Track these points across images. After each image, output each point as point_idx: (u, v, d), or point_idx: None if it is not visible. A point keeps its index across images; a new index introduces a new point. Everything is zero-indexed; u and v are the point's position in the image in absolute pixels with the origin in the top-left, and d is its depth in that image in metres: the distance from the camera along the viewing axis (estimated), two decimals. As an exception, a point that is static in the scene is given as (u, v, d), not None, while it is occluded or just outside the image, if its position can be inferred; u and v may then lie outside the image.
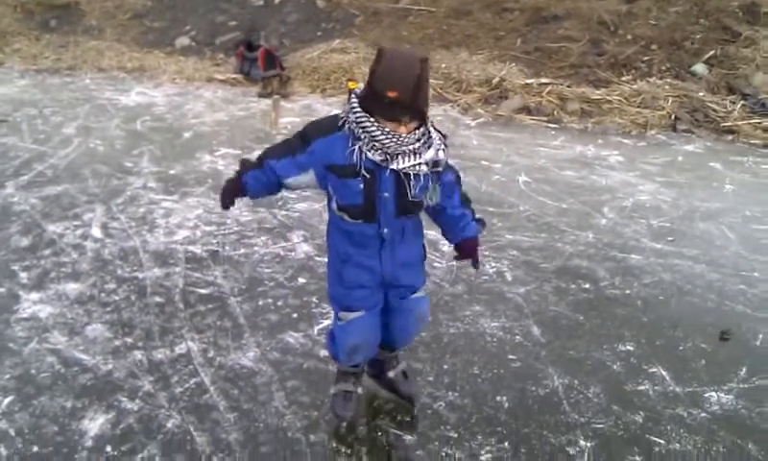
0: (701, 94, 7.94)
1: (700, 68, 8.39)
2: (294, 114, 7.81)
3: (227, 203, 2.68)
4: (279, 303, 3.80)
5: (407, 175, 2.34)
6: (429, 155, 2.34)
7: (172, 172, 5.90)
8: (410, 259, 2.64)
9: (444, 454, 2.73)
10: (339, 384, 2.90)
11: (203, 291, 3.93)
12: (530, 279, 4.18)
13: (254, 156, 2.65)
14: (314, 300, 3.84)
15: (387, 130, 2.25)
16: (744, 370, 3.37)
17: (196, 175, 5.84)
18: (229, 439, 2.76)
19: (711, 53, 8.54)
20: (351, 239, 2.51)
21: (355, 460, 2.69)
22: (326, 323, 3.61)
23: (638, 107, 7.90)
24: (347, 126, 2.33)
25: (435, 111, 8.09)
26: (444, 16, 10.75)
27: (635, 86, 8.26)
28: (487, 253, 4.47)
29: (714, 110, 7.68)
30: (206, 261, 4.28)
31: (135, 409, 2.92)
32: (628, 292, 4.08)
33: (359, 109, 2.26)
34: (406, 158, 2.31)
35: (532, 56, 9.40)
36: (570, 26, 9.73)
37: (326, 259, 2.74)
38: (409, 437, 2.83)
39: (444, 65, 9.18)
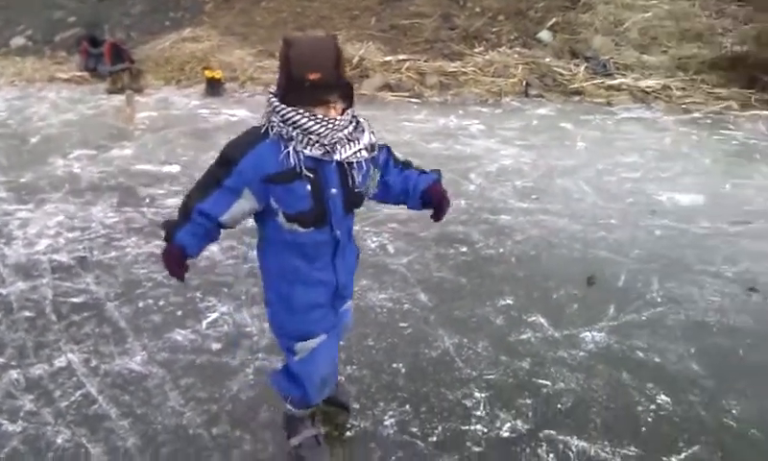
0: (547, 60, 8.43)
1: (545, 35, 8.90)
2: (150, 108, 7.50)
3: (179, 273, 2.28)
4: (161, 303, 3.67)
5: (350, 164, 2.16)
6: (366, 139, 2.19)
7: (23, 180, 5.51)
8: (353, 265, 2.46)
9: (349, 426, 2.77)
10: (302, 432, 2.58)
11: (75, 300, 3.72)
12: (411, 249, 4.30)
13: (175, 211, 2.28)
14: (198, 294, 3.74)
15: (319, 117, 2.06)
16: (612, 309, 3.66)
17: (50, 180, 5.49)
18: (127, 445, 2.65)
19: (554, 20, 9.09)
20: (302, 253, 2.24)
21: (261, 444, 2.67)
22: (214, 316, 3.54)
23: (492, 76, 8.26)
24: (271, 131, 2.10)
25: (298, 95, 8.05)
26: (298, -1, 10.70)
27: (487, 57, 8.63)
28: (367, 228, 4.55)
29: (561, 74, 8.19)
30: (75, 269, 4.05)
31: (19, 430, 2.73)
32: (502, 251, 4.30)
33: (283, 106, 2.07)
34: (347, 147, 2.13)
35: (388, 33, 9.56)
36: (422, 2, 10.00)
37: (261, 287, 2.41)
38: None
39: (302, 48, 9.12)
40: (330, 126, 2.08)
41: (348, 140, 2.14)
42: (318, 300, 2.31)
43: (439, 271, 4.04)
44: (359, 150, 2.17)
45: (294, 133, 2.07)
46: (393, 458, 2.63)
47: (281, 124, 2.08)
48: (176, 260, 2.25)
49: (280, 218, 2.17)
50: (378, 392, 2.99)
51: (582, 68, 8.22)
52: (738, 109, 7.49)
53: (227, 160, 2.14)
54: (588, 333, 3.45)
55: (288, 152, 2.08)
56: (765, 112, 7.42)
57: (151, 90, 8.30)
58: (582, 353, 3.29)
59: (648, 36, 8.72)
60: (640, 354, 3.28)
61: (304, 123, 2.05)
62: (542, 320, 3.55)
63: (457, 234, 4.50)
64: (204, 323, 3.49)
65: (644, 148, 6.27)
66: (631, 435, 2.76)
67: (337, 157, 2.12)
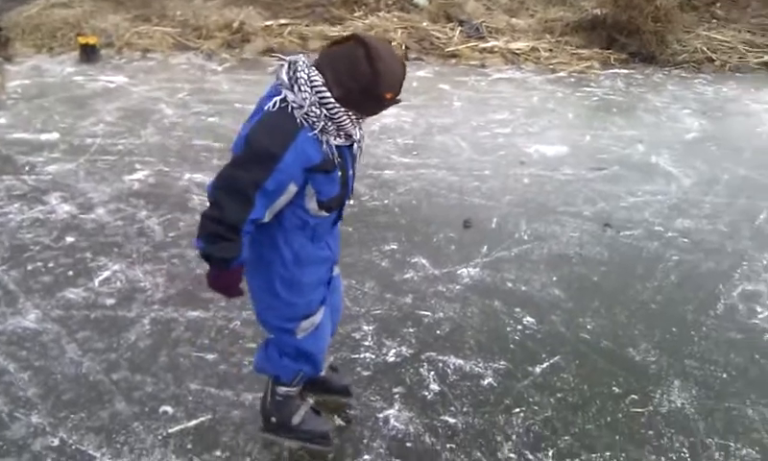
0: (425, 24, 8.75)
1: (421, 1, 9.20)
2: (22, 76, 7.18)
3: (240, 291, 2.20)
4: (51, 265, 3.67)
5: (350, 146, 2.18)
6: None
7: None
8: (339, 236, 2.47)
9: (246, 363, 2.95)
10: (301, 409, 2.56)
11: (-42, 268, 3.65)
12: (299, 203, 4.48)
13: (204, 231, 2.03)
14: (88, 255, 3.77)
15: (359, 120, 2.10)
16: (485, 248, 4.01)
17: None
18: (27, 395, 2.71)
19: (429, -15, 9.41)
20: (312, 235, 2.22)
21: (162, 384, 2.81)
22: (106, 274, 3.59)
23: (373, 40, 8.47)
24: (312, 124, 2.00)
25: (178, 60, 7.96)
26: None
27: (367, 22, 8.83)
28: (255, 186, 4.67)
29: (438, 38, 8.53)
30: (-45, 238, 3.95)
31: None
32: (386, 202, 4.57)
33: (337, 106, 1.98)
34: (357, 131, 2.15)
35: (267, -2, 9.56)
36: (300, -33, 10.03)
37: (253, 279, 2.29)
38: (211, 356, 3.00)
39: (179, 13, 8.99)
40: (357, 127, 2.12)
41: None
42: (322, 276, 2.33)
43: (327, 222, 4.25)
44: (360, 128, 2.18)
45: (330, 127, 2.02)
46: (290, 388, 2.84)
47: (324, 118, 2.00)
48: (239, 279, 2.16)
49: (311, 205, 2.13)
50: (273, 332, 3.18)
51: (457, 32, 8.60)
52: (599, 67, 8.13)
53: (264, 157, 1.98)
54: (464, 270, 3.78)
55: (327, 143, 2.03)
56: (622, 70, 8.10)
57: (21, 58, 7.91)
58: (458, 287, 3.61)
59: (517, 0, 9.22)
60: (510, 285, 3.65)
61: (347, 124, 2.04)
62: (424, 261, 3.85)
63: (343, 188, 4.72)
64: (97, 281, 3.53)
65: (515, 106, 6.71)
66: (501, 352, 3.11)
67: (356, 137, 2.15)
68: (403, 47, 8.34)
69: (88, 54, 7.62)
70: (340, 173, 2.12)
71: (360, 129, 2.16)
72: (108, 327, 3.16)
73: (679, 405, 2.82)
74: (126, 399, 2.73)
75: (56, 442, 2.51)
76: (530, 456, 2.54)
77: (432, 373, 2.96)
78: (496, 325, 3.32)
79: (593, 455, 2.56)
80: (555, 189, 4.86)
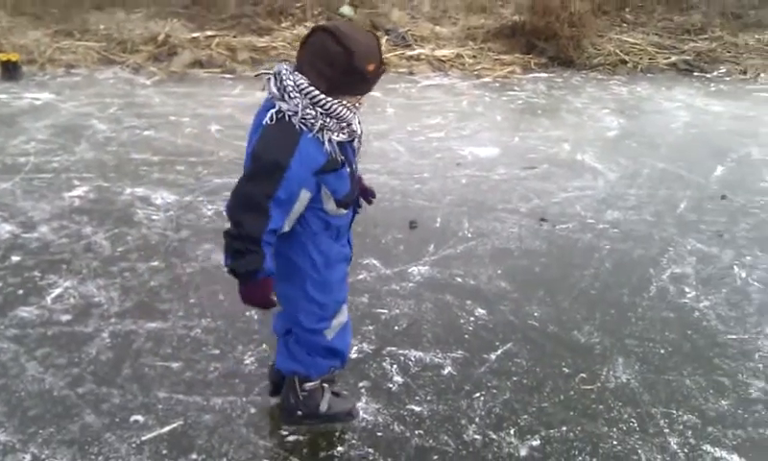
0: (352, 34, 8.89)
1: (346, 10, 9.37)
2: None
3: (272, 300, 2.25)
4: (-1, 285, 3.60)
5: (350, 141, 2.25)
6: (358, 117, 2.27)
7: None
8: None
9: (211, 369, 3.00)
10: (326, 396, 2.66)
11: None
12: (246, 212, 4.52)
13: (229, 249, 2.12)
14: (36, 273, 3.70)
15: (354, 106, 2.15)
16: (432, 246, 4.17)
17: None
18: (-7, 416, 2.68)
19: (354, -4, 9.60)
20: (335, 234, 2.33)
21: (130, 395, 2.82)
22: (58, 291, 3.54)
23: (302, 50, 8.56)
24: (309, 126, 2.07)
25: (105, 75, 7.83)
26: (90, -24, 10.21)
27: (294, 32, 8.93)
28: (201, 198, 4.69)
29: (366, 47, 8.69)
30: None
31: None
32: (332, 207, 4.67)
33: (327, 99, 2.06)
34: (355, 122, 2.23)
35: (191, 10, 9.52)
36: (222, -22, 10.03)
37: (284, 287, 2.34)
38: (176, 364, 3.02)
39: (102, 27, 8.83)
40: (355, 112, 2.18)
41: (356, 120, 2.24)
42: (345, 273, 2.45)
43: (276, 229, 4.32)
44: (359, 121, 2.27)
45: (330, 124, 2.09)
46: (256, 389, 2.90)
47: (320, 116, 2.07)
48: (269, 290, 2.19)
49: (330, 206, 2.21)
50: (236, 337, 3.23)
51: (383, 41, 8.78)
52: (521, 72, 8.49)
53: (272, 169, 2.04)
54: (414, 268, 3.93)
55: (329, 142, 2.09)
56: (543, 74, 8.48)
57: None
58: (411, 285, 3.76)
59: (439, 9, 9.53)
60: (459, 279, 3.82)
61: (344, 113, 2.10)
62: (375, 262, 3.98)
63: (288, 196, 4.79)
64: (49, 298, 3.48)
65: (445, 111, 6.95)
66: (457, 342, 3.26)
67: (357, 133, 2.23)
68: (332, 57, 8.45)
69: (10, 71, 7.40)
70: (348, 170, 2.21)
71: (359, 122, 2.24)
72: (67, 343, 3.14)
73: (624, 380, 3.04)
74: (94, 411, 2.73)
75: (27, 457, 2.49)
76: (493, 436, 2.70)
77: (395, 366, 3.09)
78: (450, 317, 3.47)
79: (551, 431, 2.73)
80: (491, 188, 5.09)
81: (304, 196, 2.11)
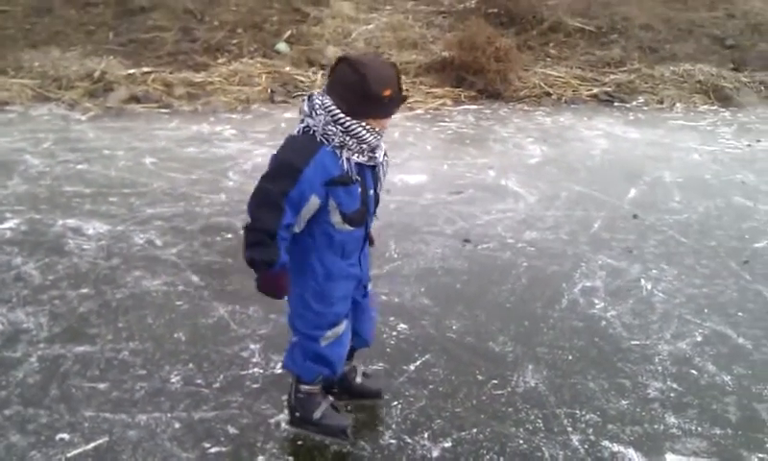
0: (287, 69, 9.12)
1: (282, 47, 9.58)
2: None
3: (284, 292, 2.51)
4: None
5: (374, 167, 2.48)
6: (383, 144, 2.50)
7: None
8: (368, 257, 2.76)
9: (138, 388, 3.08)
10: (322, 405, 2.82)
11: None
12: (179, 240, 4.62)
13: (247, 241, 2.38)
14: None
15: (375, 129, 2.37)
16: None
17: None
18: None
19: (289, 32, 9.83)
20: (341, 251, 2.52)
21: (57, 415, 2.88)
22: (-15, 320, 3.58)
23: (238, 85, 8.73)
24: (329, 141, 2.33)
25: (40, 111, 7.84)
26: (24, 15, 10.24)
27: (231, 68, 9.08)
28: (133, 228, 4.77)
29: (302, 81, 8.92)
30: None
31: None
32: (263, 233, 4.80)
33: (348, 119, 2.31)
34: (380, 151, 2.47)
35: (128, 47, 9.58)
36: (159, 16, 10.16)
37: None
38: (103, 385, 3.10)
39: (37, 64, 8.82)
40: (379, 137, 2.41)
41: (379, 146, 2.48)
42: (350, 291, 2.63)
43: (208, 255, 4.43)
44: (385, 153, 2.53)
45: (350, 143, 2.34)
46: (181, 406, 3.00)
47: (340, 134, 2.32)
48: (284, 280, 2.44)
49: (335, 218, 2.43)
50: (163, 358, 3.33)
51: (319, 75, 9.03)
52: (451, 104, 8.82)
53: (288, 170, 2.29)
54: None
55: (345, 159, 2.34)
56: (472, 106, 8.83)
57: None
58: (337, 304, 3.91)
59: (372, 45, 9.82)
60: (384, 297, 3.99)
61: (364, 135, 2.34)
62: (303, 284, 4.12)
63: (221, 224, 4.91)
64: (-29, 327, 3.52)
65: (378, 141, 7.17)
66: (379, 355, 3.42)
67: (379, 159, 2.46)
68: (269, 91, 8.64)
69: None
70: (360, 189, 2.43)
71: (384, 153, 2.49)
72: (-14, 369, 3.18)
73: (533, 385, 3.25)
74: (20, 431, 2.78)
75: (-50, 479, 2.54)
76: (408, 440, 2.86)
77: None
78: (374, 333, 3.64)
79: (463, 433, 2.91)
80: (419, 212, 5.31)
81: (313, 202, 2.34)
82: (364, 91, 2.27)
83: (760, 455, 2.85)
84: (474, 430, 2.92)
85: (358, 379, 3.04)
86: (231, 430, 2.87)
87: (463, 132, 7.78)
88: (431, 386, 3.21)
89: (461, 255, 4.59)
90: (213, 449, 2.75)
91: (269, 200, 2.31)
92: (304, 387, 2.80)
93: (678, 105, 9.18)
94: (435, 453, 2.80)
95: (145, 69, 8.90)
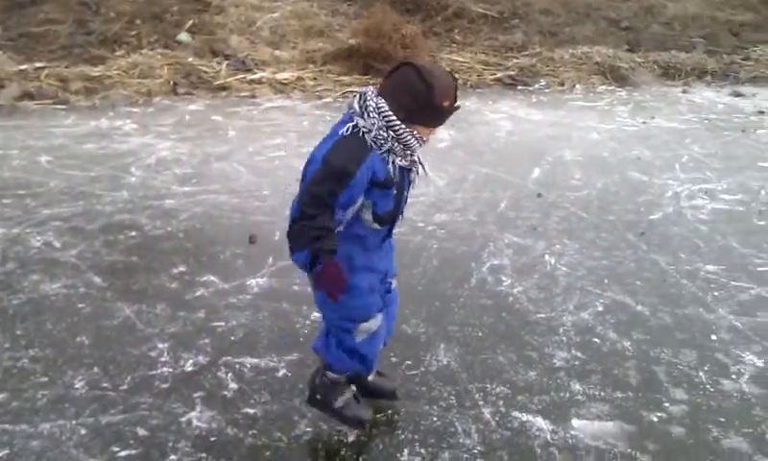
0: (190, 60, 8.87)
1: (184, 37, 9.32)
2: None
3: (345, 283, 2.45)
4: None
5: (409, 170, 2.49)
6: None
7: None
8: (392, 253, 2.78)
9: (39, 396, 2.95)
10: (343, 395, 2.80)
11: None
12: (78, 241, 4.43)
13: (302, 238, 2.38)
14: None
15: (422, 137, 2.38)
16: (271, 259, 4.30)
17: None
18: None
19: (191, 22, 9.56)
20: (364, 245, 2.54)
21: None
22: None
23: (138, 78, 8.42)
24: (380, 146, 2.33)
25: None
26: None
27: (130, 60, 8.74)
28: (29, 230, 4.54)
29: (206, 72, 8.70)
30: None
31: None
32: (170, 229, 4.68)
33: (402, 126, 2.31)
34: (417, 155, 2.47)
35: (18, 42, 9.08)
36: (51, 9, 9.68)
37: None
38: (2, 395, 2.95)
39: None
40: (423, 144, 2.42)
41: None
42: (374, 284, 2.61)
43: (110, 255, 4.27)
44: (419, 157, 2.50)
45: (397, 148, 2.35)
46: (87, 411, 2.89)
47: (391, 139, 2.32)
48: (343, 271, 2.41)
49: (366, 216, 2.44)
50: (65, 363, 3.19)
51: (224, 66, 8.84)
52: (360, 92, 8.81)
53: (340, 174, 2.28)
54: (253, 281, 4.04)
55: (392, 163, 2.36)
56: (381, 93, 8.85)
57: None
58: (249, 296, 3.86)
59: (278, 34, 9.70)
60: (296, 288, 3.96)
61: (411, 142, 2.35)
62: (213, 278, 4.05)
63: (124, 222, 4.74)
64: None
65: (287, 131, 7.10)
66: (292, 345, 3.41)
67: (417, 164, 2.47)
68: (171, 83, 8.39)
69: None
70: (396, 191, 2.44)
71: (419, 157, 2.48)
72: None
73: (445, 363, 3.31)
74: None
75: None
76: (324, 427, 2.86)
77: (230, 374, 3.18)
78: (287, 323, 3.61)
79: (378, 415, 2.94)
80: (329, 201, 5.29)
81: (359, 201, 2.38)
82: (428, 100, 2.28)
83: (659, 414, 3.02)
84: (389, 412, 2.96)
85: (371, 377, 2.97)
86: (141, 432, 2.80)
87: (372, 119, 7.79)
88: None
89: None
90: (123, 453, 2.67)
91: (319, 202, 2.31)
92: (331, 375, 2.77)
93: (577, 86, 9.50)
94: (351, 438, 2.81)
95: (38, 64, 8.45)
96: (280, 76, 8.84)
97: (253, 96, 8.40)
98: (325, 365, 2.77)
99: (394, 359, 3.31)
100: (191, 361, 3.26)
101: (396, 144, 2.35)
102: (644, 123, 7.83)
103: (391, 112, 2.31)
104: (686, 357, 3.43)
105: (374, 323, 2.63)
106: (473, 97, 8.80)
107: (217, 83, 8.51)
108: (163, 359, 3.27)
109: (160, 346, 3.37)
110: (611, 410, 3.03)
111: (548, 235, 4.78)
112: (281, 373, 3.21)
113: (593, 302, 3.92)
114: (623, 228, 4.94)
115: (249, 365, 3.25)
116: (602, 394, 3.14)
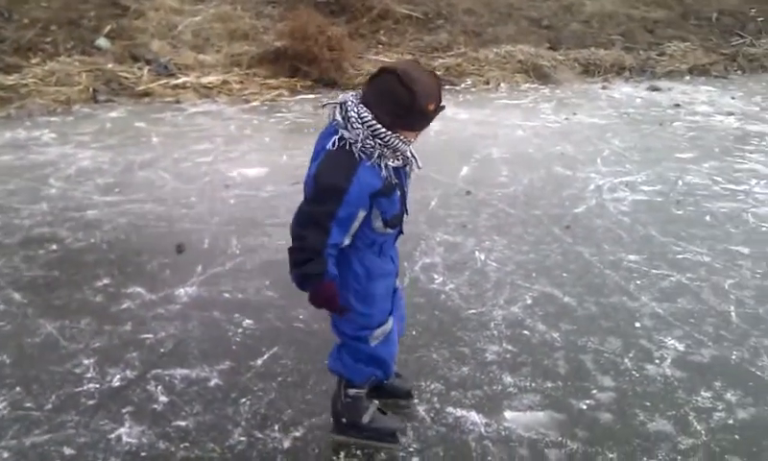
0: (110, 66, 8.61)
1: (103, 42, 9.03)
2: None
3: (341, 307, 2.47)
4: None
5: (404, 166, 2.46)
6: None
7: None
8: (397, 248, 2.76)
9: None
10: (370, 409, 2.80)
11: None
12: (-6, 256, 4.25)
13: (294, 261, 2.37)
14: None
15: (410, 140, 2.36)
16: (200, 267, 4.22)
17: None
18: None
19: (109, 27, 9.27)
20: (378, 251, 2.53)
21: None
22: None
23: (56, 85, 8.11)
24: (369, 156, 2.30)
25: None
26: None
27: (46, 67, 8.41)
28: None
29: (127, 78, 8.46)
30: None
31: None
32: (93, 241, 4.53)
33: (388, 133, 2.27)
34: (409, 150, 2.44)
35: (-77, 50, 8.62)
36: (-40, 16, 9.21)
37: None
38: None
39: None
40: (409, 145, 2.39)
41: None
42: (389, 288, 2.63)
43: (29, 270, 4.10)
44: (412, 151, 2.46)
45: (387, 153, 2.32)
46: (9, 433, 2.77)
47: (378, 146, 2.29)
48: (336, 295, 2.40)
49: (377, 224, 2.43)
50: (-16, 385, 3.06)
51: (145, 71, 8.61)
52: (288, 95, 8.74)
53: (333, 192, 2.26)
54: (181, 290, 3.95)
55: (385, 168, 2.33)
56: (309, 96, 8.81)
57: None
58: (177, 306, 3.78)
59: (201, 37, 9.51)
60: (227, 295, 3.91)
61: (399, 146, 2.32)
62: (140, 289, 3.94)
63: (44, 235, 4.56)
64: None
65: (213, 135, 6.98)
66: (224, 354, 3.35)
67: (410, 159, 2.45)
68: (91, 90, 8.12)
69: None
70: (399, 193, 2.44)
71: (411, 152, 2.46)
72: None
73: (380, 363, 3.32)
74: None
75: None
76: (259, 435, 2.83)
77: (159, 387, 3.10)
78: (218, 332, 3.55)
79: (314, 419, 2.93)
80: (260, 206, 5.23)
81: (361, 215, 2.35)
82: (411, 105, 2.24)
83: (587, 402, 3.11)
84: (325, 415, 2.94)
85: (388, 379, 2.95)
86: (68, 451, 2.71)
87: (301, 121, 7.75)
88: (280, 378, 3.20)
89: (304, 245, 4.58)
90: (47, 476, 2.57)
91: (312, 220, 2.30)
92: (352, 391, 2.74)
93: (502, 84, 9.69)
94: (286, 444, 2.79)
95: (-56, 74, 8.05)
96: (205, 80, 8.68)
97: (178, 101, 8.22)
98: (345, 383, 2.75)
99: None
100: (118, 376, 3.17)
101: (385, 150, 2.33)
102: (567, 119, 8.05)
103: (374, 121, 2.28)
104: (612, 345, 3.54)
105: (389, 325, 2.66)
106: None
107: (139, 88, 8.29)
108: (89, 375, 3.16)
109: (86, 362, 3.26)
110: (541, 400, 3.11)
111: (478, 232, 4.86)
112: (213, 382, 3.16)
113: (523, 295, 4.00)
114: (549, 222, 5.07)
115: (179, 376, 3.18)
116: (533, 385, 3.21)
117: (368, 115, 2.28)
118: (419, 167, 2.53)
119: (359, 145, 2.29)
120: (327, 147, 2.34)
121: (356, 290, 2.53)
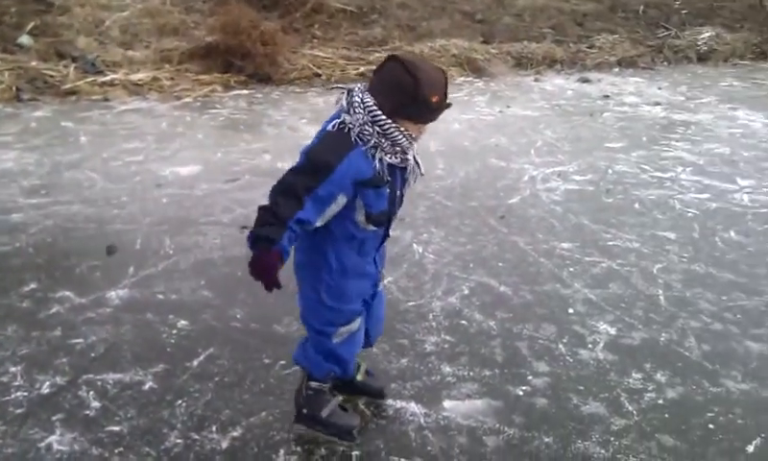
0: (34, 63, 8.29)
1: (25, 40, 8.69)
2: None
3: (277, 280, 2.27)
4: None
5: (404, 168, 2.42)
6: (415, 145, 2.43)
7: None
8: (385, 258, 2.78)
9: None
10: (330, 403, 2.77)
11: None
12: None
13: (257, 219, 2.28)
14: None
15: (411, 134, 2.32)
16: (132, 269, 4.11)
17: None
18: None
19: (32, 24, 8.92)
20: (360, 249, 2.49)
21: None
22: None
23: (-24, 85, 7.78)
24: (364, 140, 2.27)
25: None
26: None
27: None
28: None
29: (52, 77, 8.16)
30: None
31: None
32: (18, 245, 4.35)
33: (388, 121, 2.25)
34: (411, 153, 2.42)
35: None
36: None
37: (303, 282, 2.57)
38: None
39: None
40: (413, 141, 2.37)
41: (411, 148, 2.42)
42: (364, 291, 2.62)
43: (-51, 277, 3.92)
44: (415, 156, 2.47)
45: (384, 144, 2.29)
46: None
47: (377, 134, 2.27)
48: (276, 266, 2.24)
49: (360, 217, 2.39)
50: None
51: (72, 69, 8.32)
52: (222, 90, 8.61)
53: (319, 167, 2.23)
54: (112, 293, 3.84)
55: (379, 161, 2.29)
56: (244, 91, 8.70)
57: None
58: (109, 310, 3.67)
59: (129, 33, 9.26)
60: (160, 297, 3.82)
61: (399, 138, 2.29)
62: (69, 293, 3.81)
63: (-36, 241, 4.37)
64: None
65: (144, 134, 6.81)
66: (158, 357, 3.28)
67: (410, 161, 2.42)
68: (14, 89, 7.81)
69: None
70: (389, 190, 2.40)
71: (415, 152, 2.45)
72: None
73: (319, 359, 3.31)
74: None
75: None
76: (196, 436, 2.78)
77: (91, 392, 3.01)
78: (152, 335, 3.47)
79: (252, 419, 2.89)
80: (194, 204, 5.13)
81: (341, 200, 2.31)
82: (414, 94, 2.22)
83: (524, 388, 3.17)
84: (263, 414, 2.92)
85: (359, 377, 2.97)
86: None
87: (235, 117, 7.64)
88: (216, 378, 3.15)
89: (240, 243, 4.50)
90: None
91: (290, 191, 2.25)
92: (314, 384, 2.73)
93: (437, 78, 9.77)
94: (224, 444, 2.75)
95: None
96: (134, 77, 8.45)
97: (106, 99, 7.98)
98: (307, 375, 2.74)
99: (267, 361, 3.27)
100: (48, 382, 3.05)
101: (382, 140, 2.30)
102: (501, 112, 8.18)
103: (375, 107, 2.27)
104: (546, 331, 3.62)
105: (355, 325, 2.64)
106: (338, 92, 8.82)
107: (65, 87, 8.01)
108: (17, 383, 3.04)
109: (13, 369, 3.13)
110: (479, 388, 3.15)
111: (416, 225, 4.89)
112: (148, 386, 3.08)
113: (460, 286, 4.05)
114: (485, 213, 5.14)
115: (112, 381, 3.09)
116: (471, 374, 3.25)
117: (370, 101, 2.29)
118: (421, 173, 2.53)
119: (357, 130, 2.29)
120: (327, 128, 2.35)
121: (328, 284, 2.51)
